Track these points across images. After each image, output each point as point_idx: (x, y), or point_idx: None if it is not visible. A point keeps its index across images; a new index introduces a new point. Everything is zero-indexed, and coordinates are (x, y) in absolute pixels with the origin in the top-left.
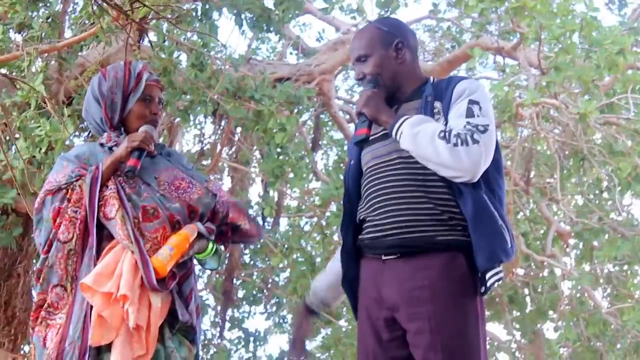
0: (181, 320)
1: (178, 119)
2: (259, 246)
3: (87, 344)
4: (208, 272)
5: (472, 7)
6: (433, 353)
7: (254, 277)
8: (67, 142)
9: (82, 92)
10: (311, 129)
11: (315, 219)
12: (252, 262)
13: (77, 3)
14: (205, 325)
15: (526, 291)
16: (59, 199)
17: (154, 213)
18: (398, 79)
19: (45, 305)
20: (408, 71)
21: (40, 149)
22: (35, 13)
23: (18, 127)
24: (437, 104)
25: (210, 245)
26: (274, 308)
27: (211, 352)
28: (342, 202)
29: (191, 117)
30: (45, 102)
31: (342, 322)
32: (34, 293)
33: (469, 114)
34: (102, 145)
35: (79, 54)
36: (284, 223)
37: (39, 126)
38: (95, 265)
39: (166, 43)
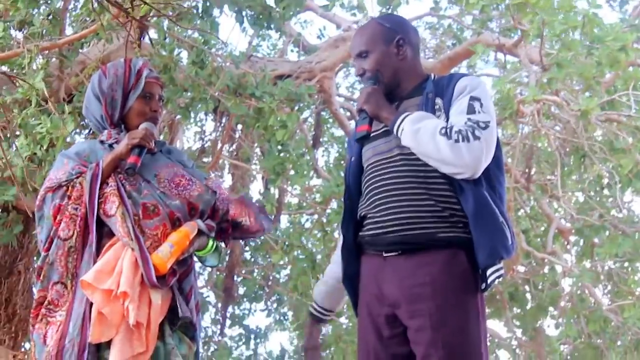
0: (182, 316)
1: (179, 117)
2: (259, 243)
3: (85, 341)
4: (209, 269)
5: (472, 4)
6: (434, 350)
7: (255, 274)
8: (68, 140)
9: (82, 89)
10: (312, 126)
11: (316, 216)
12: (252, 260)
13: (78, 0)
14: (206, 323)
15: (527, 288)
16: (59, 196)
17: (154, 210)
18: (398, 75)
19: (46, 302)
20: (409, 68)
21: (41, 146)
22: (36, 10)
23: (19, 125)
24: (438, 101)
25: (211, 242)
26: (275, 305)
27: (212, 349)
28: (342, 199)
29: (192, 115)
30: (46, 100)
31: (342, 320)
32: (34, 290)
33: (470, 110)
34: (102, 142)
35: (80, 51)
36: (284, 220)
37: (40, 123)
38: (95, 262)
39: (167, 40)
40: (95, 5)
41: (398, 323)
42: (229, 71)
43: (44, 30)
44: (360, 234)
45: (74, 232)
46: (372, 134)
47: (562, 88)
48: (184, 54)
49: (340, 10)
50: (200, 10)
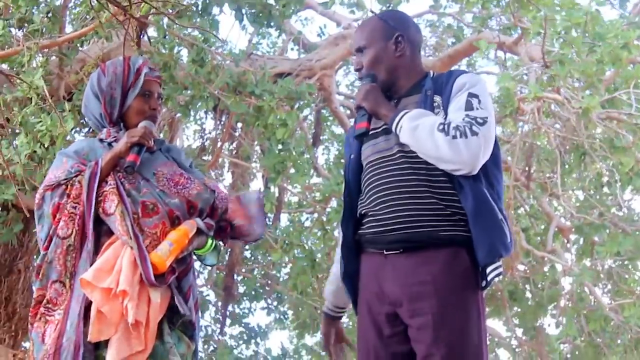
0: (181, 314)
1: (179, 115)
2: (259, 242)
3: (80, 339)
4: (209, 268)
5: (473, 2)
6: (436, 348)
7: (255, 272)
8: (68, 138)
9: (82, 87)
10: (312, 124)
11: (315, 215)
12: (252, 258)
13: None
14: (206, 321)
15: (527, 287)
16: (58, 194)
17: (154, 208)
18: (396, 72)
19: (44, 301)
20: (407, 65)
21: (42, 144)
22: (35, 8)
23: (19, 123)
24: (437, 98)
25: (210, 241)
26: (275, 303)
27: (212, 348)
28: (342, 197)
29: (192, 113)
30: (45, 98)
31: (343, 318)
32: (34, 289)
33: (468, 107)
34: (101, 140)
35: (80, 49)
36: (284, 219)
37: (40, 121)
38: (92, 261)
39: (167, 38)
40: (95, 3)
41: (399, 321)
42: (229, 69)
43: (44, 28)
44: (360, 231)
45: (72, 231)
46: (371, 132)
47: (563, 85)
48: (184, 52)
49: (340, 8)
50: (199, 8)
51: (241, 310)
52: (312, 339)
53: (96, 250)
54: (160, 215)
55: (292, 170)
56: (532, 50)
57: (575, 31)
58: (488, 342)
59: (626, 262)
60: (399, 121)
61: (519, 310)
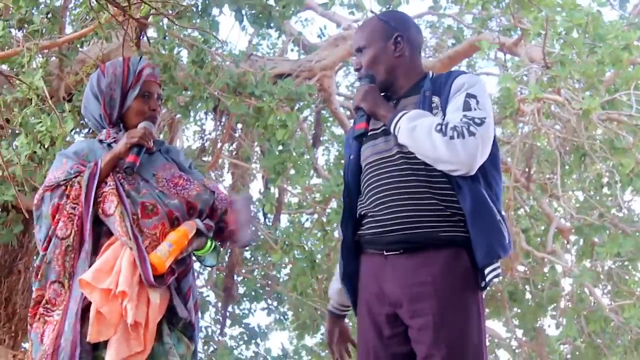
0: (180, 316)
1: (179, 116)
2: (259, 243)
3: (77, 339)
4: (209, 268)
5: (472, 4)
6: (436, 349)
7: (255, 273)
8: (67, 139)
9: (82, 88)
10: (312, 125)
11: (315, 216)
12: (252, 259)
13: None
14: (206, 322)
15: (527, 288)
16: (57, 195)
17: (153, 209)
18: (394, 72)
19: (43, 301)
20: (406, 65)
21: (42, 145)
22: (35, 9)
23: (19, 123)
24: (435, 99)
25: (209, 242)
26: (275, 303)
27: (212, 349)
28: (342, 198)
29: (192, 114)
30: (45, 98)
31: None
32: (33, 289)
33: (466, 107)
34: (101, 141)
35: (80, 50)
36: (284, 220)
37: (40, 122)
38: (90, 261)
39: (167, 39)
40: (94, 3)
41: (399, 322)
42: (229, 70)
43: (44, 29)
44: (360, 232)
45: (71, 232)
46: (370, 133)
47: (564, 87)
48: (184, 53)
49: (340, 9)
50: (199, 9)
51: (241, 311)
52: (312, 340)
53: (95, 251)
54: (160, 216)
55: (292, 171)
56: (532, 51)
57: (576, 32)
58: (488, 343)
59: (626, 263)
60: (397, 122)
61: (519, 311)
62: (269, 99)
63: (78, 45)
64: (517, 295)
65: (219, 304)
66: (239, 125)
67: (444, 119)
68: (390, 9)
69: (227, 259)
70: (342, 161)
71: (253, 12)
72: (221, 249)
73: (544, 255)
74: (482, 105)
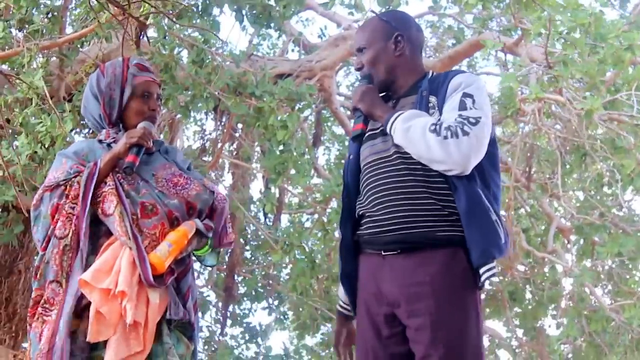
0: (173, 317)
1: (179, 116)
2: (260, 243)
3: (67, 332)
4: (209, 268)
5: (472, 4)
6: (434, 349)
7: (255, 273)
8: (68, 139)
9: (82, 88)
10: (312, 124)
11: (316, 216)
12: (253, 259)
13: None
14: (207, 322)
15: (527, 287)
16: (57, 195)
17: (153, 209)
18: (394, 72)
19: (42, 301)
20: (406, 65)
21: (42, 144)
22: (35, 9)
23: (20, 123)
24: (432, 99)
25: (209, 242)
26: (276, 303)
27: (212, 348)
28: (341, 198)
29: (192, 114)
30: (45, 98)
31: None
32: (33, 289)
33: (462, 107)
34: (100, 141)
35: (80, 50)
36: (285, 220)
37: (40, 122)
38: (85, 261)
39: (167, 39)
40: (94, 3)
41: (397, 322)
42: (229, 70)
43: (44, 29)
44: (359, 232)
45: (69, 231)
46: (369, 133)
47: (566, 87)
48: (184, 53)
49: (341, 9)
50: (200, 9)
51: (242, 311)
52: (313, 340)
53: (95, 251)
54: (159, 216)
55: (293, 171)
56: (533, 51)
57: (578, 32)
58: (488, 343)
59: (626, 262)
60: (392, 122)
61: (520, 311)
62: (270, 99)
63: (78, 46)
64: (518, 295)
65: (220, 304)
66: (240, 125)
67: (440, 118)
68: (390, 9)
69: (227, 258)
70: (343, 161)
71: (253, 12)
72: (220, 249)
73: (544, 255)
74: (478, 105)
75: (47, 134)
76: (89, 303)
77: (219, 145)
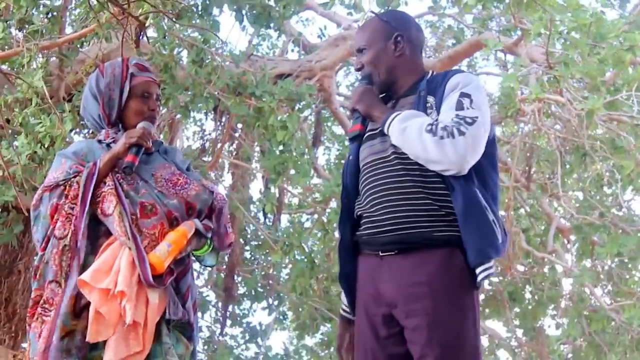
0: (172, 317)
1: (179, 116)
2: (260, 243)
3: (56, 322)
4: (209, 268)
5: (471, 6)
6: (430, 349)
7: (255, 273)
8: (67, 139)
9: (82, 88)
10: (312, 124)
11: (316, 216)
12: (253, 259)
13: None
14: (207, 322)
15: (527, 288)
16: (56, 195)
17: (152, 209)
18: (395, 72)
19: (41, 301)
20: (406, 65)
21: (42, 145)
22: (35, 9)
23: (20, 123)
24: (430, 99)
25: (208, 242)
26: (276, 302)
27: (213, 348)
28: (340, 199)
29: (192, 114)
30: (45, 98)
31: None
32: (32, 289)
33: (459, 106)
34: (100, 142)
35: (80, 50)
36: (284, 220)
37: (40, 122)
38: (82, 261)
39: (167, 39)
40: (94, 3)
41: (395, 323)
42: (229, 70)
43: (44, 30)
44: (357, 233)
45: (69, 231)
46: (369, 133)
47: (568, 87)
48: (184, 53)
49: (341, 9)
50: (199, 9)
51: (241, 311)
52: (312, 340)
53: (94, 251)
54: (159, 216)
55: (293, 171)
56: (533, 51)
57: (580, 32)
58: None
59: (626, 262)
60: (390, 123)
61: (519, 311)
62: (269, 99)
63: (78, 46)
64: (517, 295)
65: (219, 304)
66: (239, 125)
67: (437, 119)
68: (389, 9)
69: (227, 259)
70: (343, 161)
71: (253, 12)
72: (220, 250)
73: (544, 255)
74: (475, 105)
75: (47, 134)
76: (88, 303)
77: (219, 145)
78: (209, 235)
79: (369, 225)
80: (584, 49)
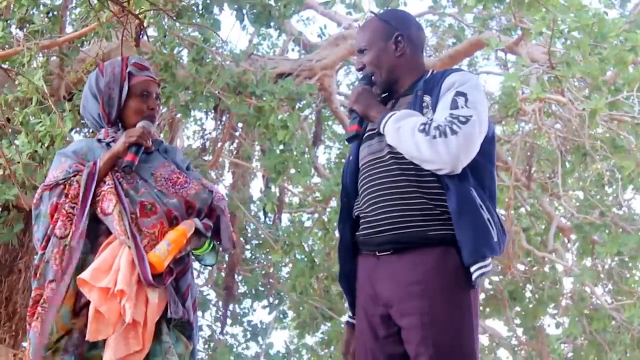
0: (173, 317)
1: (179, 115)
2: (260, 242)
3: (47, 324)
4: (209, 267)
5: (470, 7)
6: (424, 348)
7: (256, 271)
8: (68, 138)
9: (83, 87)
10: (313, 124)
11: (316, 215)
12: (253, 257)
13: None
14: (207, 321)
15: (527, 287)
16: (56, 194)
17: (152, 208)
18: (396, 71)
19: (42, 300)
20: (407, 64)
21: (43, 144)
22: (36, 8)
23: (20, 123)
24: (427, 98)
25: (208, 241)
26: (277, 301)
27: (213, 347)
28: (340, 198)
29: (192, 113)
30: (45, 98)
31: (343, 318)
32: (33, 289)
33: (453, 106)
34: (99, 141)
35: (81, 49)
36: (285, 219)
37: (40, 121)
38: (78, 260)
39: (167, 38)
40: (95, 2)
41: (392, 323)
42: (229, 69)
43: (44, 29)
44: (357, 233)
45: (70, 231)
46: (368, 133)
47: (570, 87)
48: (184, 53)
49: (341, 8)
50: (200, 8)
51: (242, 310)
52: (313, 339)
53: (94, 250)
54: (159, 215)
55: (293, 171)
56: (533, 51)
57: (582, 32)
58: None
59: (627, 261)
60: (385, 123)
61: (520, 310)
62: (270, 99)
63: (78, 45)
64: (518, 294)
65: (220, 303)
66: (240, 125)
67: (432, 118)
68: (389, 9)
69: (227, 258)
70: (344, 160)
71: (253, 11)
72: (220, 249)
73: (544, 254)
74: (471, 104)
75: (47, 134)
76: (88, 301)
77: (219, 144)
78: (209, 234)
79: (366, 226)
80: (586, 49)
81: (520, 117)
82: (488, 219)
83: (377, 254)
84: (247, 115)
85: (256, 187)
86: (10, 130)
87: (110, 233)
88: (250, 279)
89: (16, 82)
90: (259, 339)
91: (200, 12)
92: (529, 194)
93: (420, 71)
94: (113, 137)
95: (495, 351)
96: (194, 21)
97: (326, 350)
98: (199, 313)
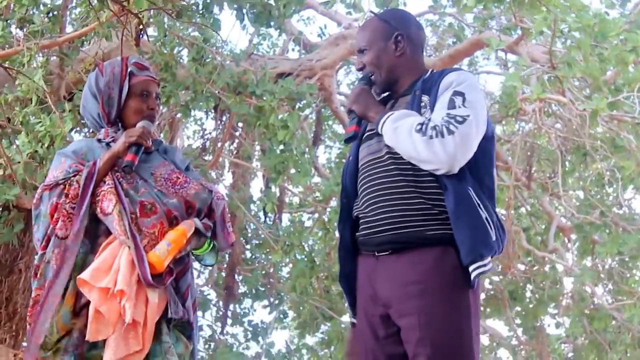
0: (173, 317)
1: (179, 115)
2: (260, 242)
3: (41, 324)
4: (210, 267)
5: (470, 7)
6: (422, 348)
7: (256, 271)
8: (68, 138)
9: (82, 87)
10: (313, 123)
11: (316, 215)
12: (254, 257)
13: None
14: (208, 321)
15: (527, 286)
16: (56, 194)
17: (152, 208)
18: (396, 71)
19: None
20: (407, 64)
21: (43, 144)
22: (36, 8)
23: (20, 122)
24: (425, 98)
25: (208, 241)
26: (277, 301)
27: (213, 347)
28: (340, 199)
29: (192, 113)
30: (46, 97)
31: (344, 318)
32: (33, 289)
33: (451, 105)
34: (99, 141)
35: (81, 49)
36: (285, 219)
37: (40, 121)
38: (75, 260)
39: (167, 38)
40: (95, 1)
41: (391, 323)
42: (230, 69)
43: (44, 29)
44: (357, 234)
45: (70, 231)
46: (367, 134)
47: (570, 88)
48: (184, 52)
49: (341, 8)
50: (200, 8)
51: (242, 310)
52: (313, 339)
53: (94, 250)
54: (158, 215)
55: (293, 170)
56: (534, 51)
57: (583, 33)
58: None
59: (627, 261)
60: (383, 123)
61: (520, 310)
62: (270, 98)
63: (78, 45)
64: (518, 294)
65: (220, 303)
66: (240, 124)
67: (429, 118)
68: (389, 8)
69: (227, 258)
70: (344, 160)
71: (254, 11)
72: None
73: (544, 254)
74: (468, 103)
75: (47, 133)
76: (88, 301)
77: (219, 144)
78: (209, 234)
79: (365, 226)
80: (586, 49)
81: (521, 116)
82: (486, 219)
83: (377, 254)
84: (247, 115)
85: (256, 187)
86: (10, 130)
87: (110, 233)
88: (250, 279)
89: (16, 82)
90: (260, 339)
91: (201, 11)
92: (529, 194)
93: (420, 71)
94: (113, 137)
95: (496, 351)
96: (194, 21)
97: (326, 350)
98: (199, 313)
